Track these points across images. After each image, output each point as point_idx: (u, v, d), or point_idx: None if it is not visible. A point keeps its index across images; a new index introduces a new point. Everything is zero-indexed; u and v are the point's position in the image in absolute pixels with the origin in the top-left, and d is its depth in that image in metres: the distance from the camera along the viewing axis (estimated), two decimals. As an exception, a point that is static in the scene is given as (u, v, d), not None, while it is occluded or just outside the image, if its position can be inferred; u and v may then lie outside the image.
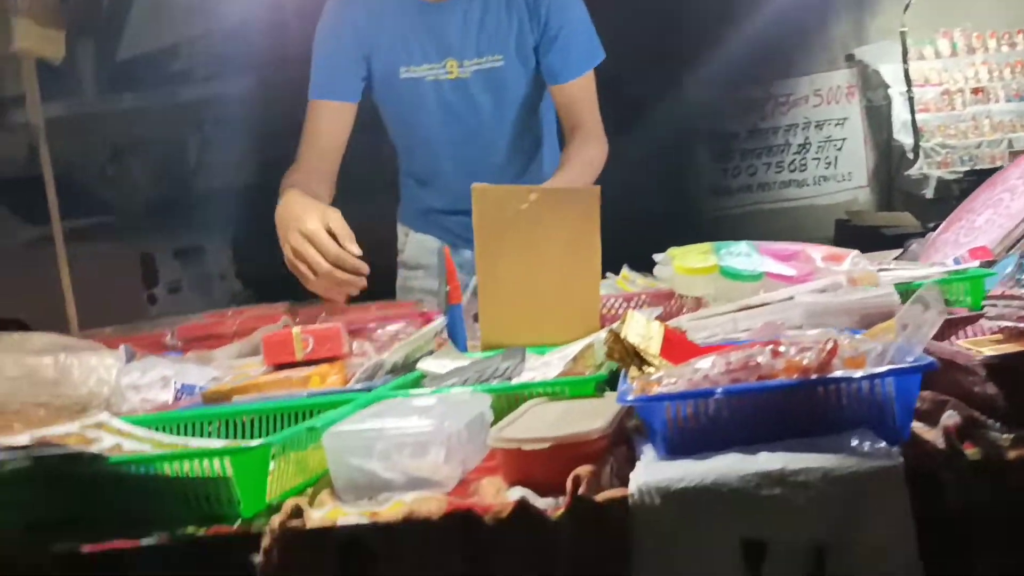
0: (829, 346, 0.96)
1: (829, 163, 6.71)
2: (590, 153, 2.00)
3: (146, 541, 0.96)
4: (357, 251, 1.65)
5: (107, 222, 6.99)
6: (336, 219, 1.68)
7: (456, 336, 1.62)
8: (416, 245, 2.22)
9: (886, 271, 1.59)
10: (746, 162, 6.83)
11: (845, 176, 6.73)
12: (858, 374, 0.94)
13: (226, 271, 7.36)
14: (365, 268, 1.65)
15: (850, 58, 6.58)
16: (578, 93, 2.05)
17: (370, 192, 2.65)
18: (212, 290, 7.09)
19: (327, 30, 2.05)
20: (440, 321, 1.60)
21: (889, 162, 6.62)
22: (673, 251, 1.60)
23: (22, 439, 1.12)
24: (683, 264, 1.55)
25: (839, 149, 6.74)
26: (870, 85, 6.56)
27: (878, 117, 6.64)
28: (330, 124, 2.04)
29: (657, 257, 1.61)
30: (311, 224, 1.68)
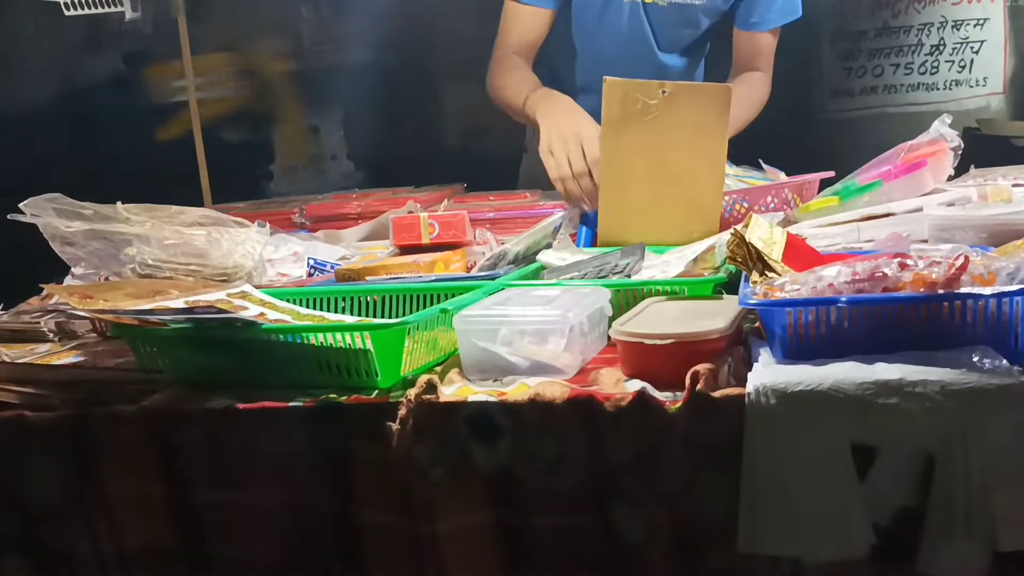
0: (959, 262, 0.96)
1: (963, 66, 6.30)
2: (757, 91, 1.99)
3: (294, 403, 1.05)
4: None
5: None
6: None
7: (585, 236, 1.65)
8: None
9: (1020, 186, 1.54)
10: (873, 62, 6.47)
11: (979, 81, 6.32)
12: (986, 292, 0.94)
13: (338, 152, 7.51)
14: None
15: (998, -48, 6.11)
16: (764, 44, 2.01)
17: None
18: (325, 169, 7.26)
19: None
20: (560, 215, 1.64)
21: (1030, 68, 6.20)
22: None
23: (179, 303, 1.22)
24: (805, 207, 1.54)
25: (976, 52, 6.31)
26: (1018, -17, 6.10)
27: (1023, 19, 6.19)
28: (523, 29, 2.01)
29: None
30: (589, 131, 1.67)
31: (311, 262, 1.58)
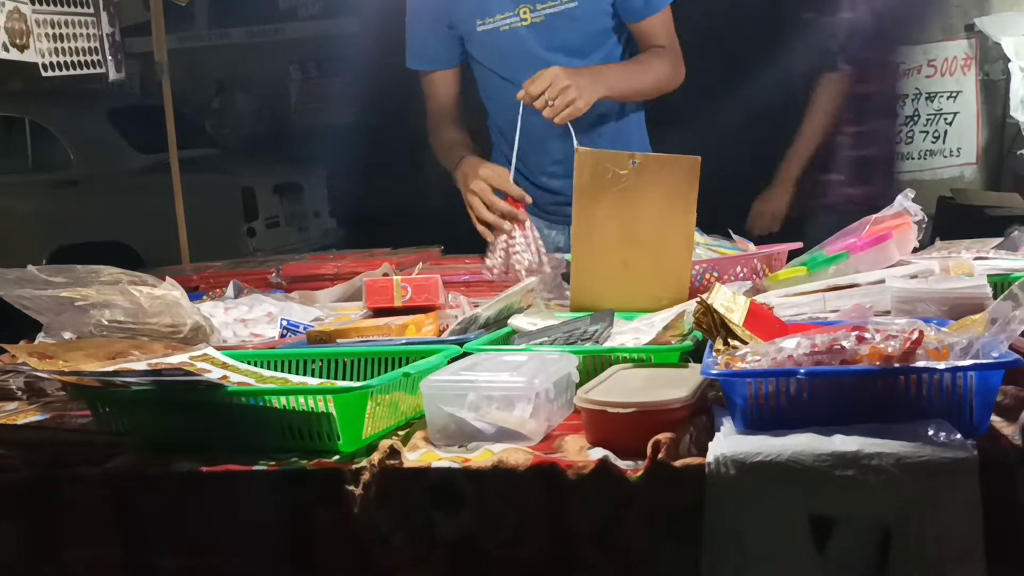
0: (914, 336, 0.98)
1: (937, 137, 6.47)
2: (662, 65, 2.03)
3: (257, 467, 1.05)
4: (515, 192, 1.84)
5: (211, 154, 7.24)
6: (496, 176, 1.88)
7: None
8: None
9: (983, 260, 1.57)
10: (849, 131, 6.60)
11: (953, 152, 6.49)
12: (940, 366, 0.96)
13: (321, 209, 7.56)
14: (517, 213, 1.82)
15: (969, 28, 6.29)
16: (657, 26, 2.04)
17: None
18: (308, 226, 7.29)
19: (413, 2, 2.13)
20: (532, 280, 1.65)
21: (1002, 140, 6.34)
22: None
23: (142, 365, 1.22)
24: (774, 276, 1.56)
25: (949, 123, 6.48)
26: (989, 58, 6.26)
27: (994, 92, 6.35)
28: (438, 91, 2.19)
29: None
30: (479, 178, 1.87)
31: (284, 323, 1.58)
